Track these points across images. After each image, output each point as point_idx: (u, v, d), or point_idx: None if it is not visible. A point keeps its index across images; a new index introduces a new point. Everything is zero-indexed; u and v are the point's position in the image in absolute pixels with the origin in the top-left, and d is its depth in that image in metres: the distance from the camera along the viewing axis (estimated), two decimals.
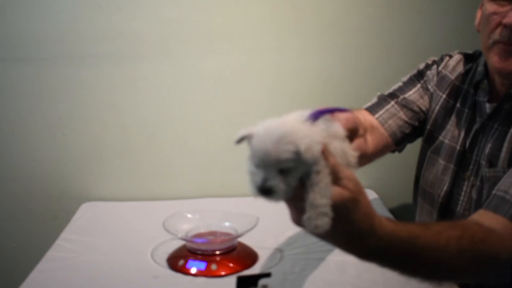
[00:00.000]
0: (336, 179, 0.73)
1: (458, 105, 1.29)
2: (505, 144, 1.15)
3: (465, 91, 1.28)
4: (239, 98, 1.95)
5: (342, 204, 0.72)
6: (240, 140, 0.78)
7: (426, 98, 1.36)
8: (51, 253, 1.44)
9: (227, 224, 1.47)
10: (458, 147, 1.26)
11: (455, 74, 1.32)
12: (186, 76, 1.92)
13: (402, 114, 1.34)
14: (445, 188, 1.29)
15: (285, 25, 1.91)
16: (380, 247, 0.79)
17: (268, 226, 1.48)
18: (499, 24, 1.09)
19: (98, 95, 1.91)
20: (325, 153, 0.74)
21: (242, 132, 0.77)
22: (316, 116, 0.80)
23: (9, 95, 1.90)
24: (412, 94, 1.36)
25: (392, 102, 1.35)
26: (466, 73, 1.29)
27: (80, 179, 1.97)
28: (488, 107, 1.19)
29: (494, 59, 1.11)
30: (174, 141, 1.96)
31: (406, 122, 1.35)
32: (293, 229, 1.70)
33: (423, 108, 1.36)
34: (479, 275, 1.00)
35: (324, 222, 0.71)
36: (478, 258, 0.92)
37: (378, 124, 1.32)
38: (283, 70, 1.95)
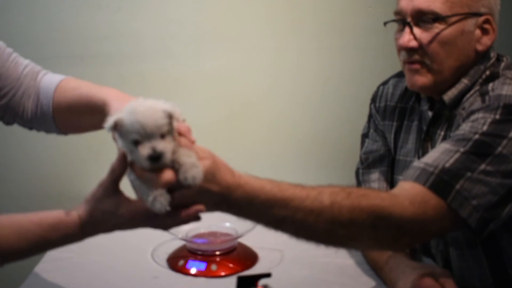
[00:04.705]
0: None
1: (405, 122, 1.32)
2: None
3: (410, 108, 1.31)
4: (239, 98, 1.95)
5: (207, 171, 0.83)
6: (113, 127, 0.86)
7: (381, 136, 1.38)
8: (51, 253, 1.44)
9: (227, 224, 1.46)
10: (415, 160, 1.25)
11: (395, 98, 1.35)
12: (186, 76, 1.92)
13: (374, 170, 1.36)
14: None
15: (284, 25, 1.91)
16: (247, 198, 0.87)
17: None
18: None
19: None
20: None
21: (111, 120, 0.85)
22: None
23: None
24: (369, 145, 1.39)
25: (361, 170, 1.39)
26: (405, 92, 1.33)
27: (80, 179, 1.97)
28: (430, 114, 1.23)
29: (406, 79, 1.22)
30: None
31: (381, 172, 1.36)
32: None
33: (385, 148, 1.37)
34: (379, 237, 0.95)
35: (197, 171, 0.82)
36: (358, 211, 0.91)
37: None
38: (282, 70, 1.95)
